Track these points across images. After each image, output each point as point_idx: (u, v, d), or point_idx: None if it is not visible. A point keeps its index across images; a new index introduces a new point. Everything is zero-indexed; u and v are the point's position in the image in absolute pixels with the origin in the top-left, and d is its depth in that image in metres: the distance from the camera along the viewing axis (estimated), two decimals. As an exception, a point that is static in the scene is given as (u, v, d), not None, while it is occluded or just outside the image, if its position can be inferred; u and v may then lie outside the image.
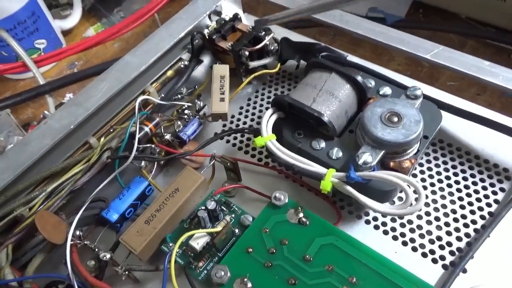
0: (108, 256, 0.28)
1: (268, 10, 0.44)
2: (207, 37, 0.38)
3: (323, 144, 0.29)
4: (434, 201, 0.30)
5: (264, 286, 0.25)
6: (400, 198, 0.31)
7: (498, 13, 0.56)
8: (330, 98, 0.30)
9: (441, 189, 0.31)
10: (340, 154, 0.29)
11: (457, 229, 0.29)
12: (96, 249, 0.28)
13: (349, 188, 0.27)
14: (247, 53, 0.36)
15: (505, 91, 0.30)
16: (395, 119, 0.27)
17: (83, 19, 0.70)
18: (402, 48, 0.33)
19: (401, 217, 0.30)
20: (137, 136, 0.31)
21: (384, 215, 0.30)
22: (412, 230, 0.29)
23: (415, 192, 0.25)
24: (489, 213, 0.29)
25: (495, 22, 0.58)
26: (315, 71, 0.32)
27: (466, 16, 0.61)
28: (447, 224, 0.29)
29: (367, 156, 0.27)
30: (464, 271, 0.27)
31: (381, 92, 0.31)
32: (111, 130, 0.33)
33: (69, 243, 0.27)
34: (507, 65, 0.56)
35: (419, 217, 0.30)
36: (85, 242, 0.28)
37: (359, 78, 0.30)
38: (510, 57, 0.57)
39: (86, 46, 0.56)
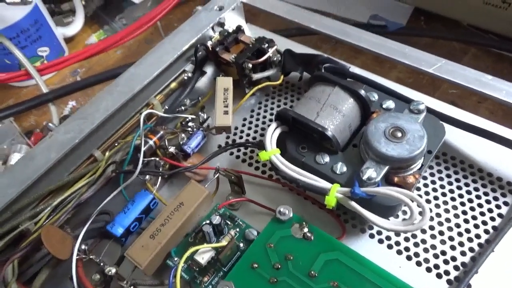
0: (113, 270, 0.28)
1: (269, 20, 0.44)
2: (210, 49, 0.38)
3: (327, 159, 0.29)
4: (438, 215, 0.30)
5: (269, 302, 0.25)
6: (404, 212, 0.31)
7: (500, 20, 0.56)
8: (333, 112, 0.30)
9: (445, 202, 0.31)
10: (344, 168, 0.29)
11: (461, 244, 0.29)
12: (101, 263, 0.28)
13: (353, 203, 0.27)
14: (250, 65, 0.36)
15: (509, 105, 0.30)
16: (399, 134, 0.28)
17: (86, 26, 0.70)
18: (404, 62, 0.33)
19: (404, 232, 0.30)
20: (142, 150, 0.31)
21: (387, 230, 0.30)
22: (416, 244, 0.29)
23: (419, 208, 0.25)
24: (493, 227, 0.29)
25: (496, 30, 0.58)
26: (318, 85, 0.32)
27: (467, 24, 0.61)
28: (451, 238, 0.29)
29: (371, 172, 0.27)
30: (469, 286, 0.27)
31: (384, 106, 0.32)
32: (116, 144, 0.33)
33: (74, 258, 0.27)
34: (508, 73, 0.57)
35: (423, 231, 0.30)
36: (91, 257, 0.28)
37: (362, 92, 0.30)
38: (511, 65, 0.58)
39: (89, 54, 0.56)
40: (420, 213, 0.25)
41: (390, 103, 0.32)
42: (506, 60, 0.58)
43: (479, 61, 0.60)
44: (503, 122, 0.34)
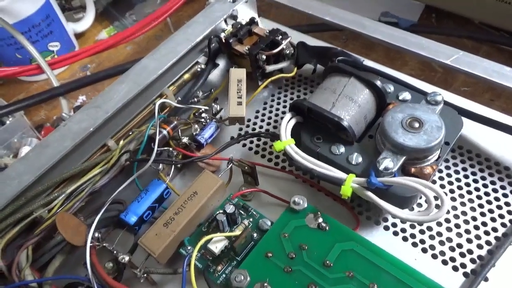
0: (127, 258, 0.27)
1: (280, 13, 0.44)
2: (223, 41, 0.38)
3: (342, 149, 0.29)
4: (454, 208, 0.30)
5: (284, 291, 0.25)
6: (419, 205, 0.31)
7: (512, 18, 0.55)
8: (349, 103, 0.30)
9: (461, 195, 0.31)
10: (360, 159, 0.28)
11: (477, 237, 0.29)
12: (115, 251, 0.28)
13: (369, 193, 0.26)
14: (264, 57, 0.36)
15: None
16: (416, 124, 0.27)
17: (96, 22, 0.70)
18: (421, 53, 0.33)
19: (421, 224, 0.30)
20: (157, 139, 0.31)
21: (403, 221, 0.30)
22: (431, 237, 0.29)
23: (436, 198, 0.25)
24: (510, 220, 0.29)
25: (508, 27, 0.57)
26: (333, 76, 0.32)
27: (479, 21, 0.61)
28: (467, 231, 0.29)
29: (388, 162, 0.26)
30: (486, 279, 0.27)
31: (400, 97, 0.31)
32: (130, 133, 0.33)
33: (88, 245, 0.27)
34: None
35: (439, 223, 0.29)
36: (104, 244, 0.28)
37: (378, 83, 0.30)
38: (524, 63, 0.57)
39: (100, 49, 0.56)
40: (437, 205, 0.25)
41: (406, 95, 0.31)
42: (519, 58, 0.58)
43: (491, 59, 0.59)
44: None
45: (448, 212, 0.30)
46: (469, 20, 0.61)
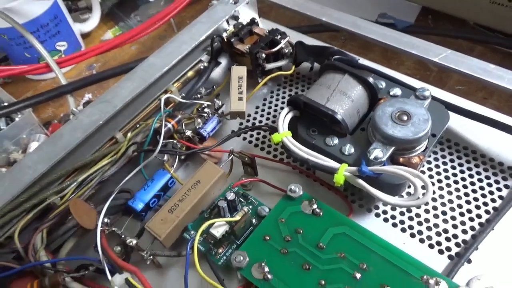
0: (134, 242, 0.29)
1: (280, 15, 0.46)
2: (225, 40, 0.40)
3: (336, 141, 0.31)
4: (441, 196, 0.32)
5: (280, 271, 0.27)
6: (409, 194, 0.32)
7: (506, 19, 0.57)
8: (343, 98, 0.32)
9: (448, 185, 0.32)
10: (352, 150, 0.30)
11: (462, 223, 0.30)
12: (123, 236, 0.30)
13: (360, 181, 0.28)
14: (263, 55, 0.38)
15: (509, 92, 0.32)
16: (405, 117, 0.29)
17: (101, 22, 0.72)
18: (412, 52, 0.35)
19: (409, 210, 0.31)
20: (163, 131, 0.33)
21: (393, 207, 0.32)
22: (420, 223, 0.31)
23: (423, 187, 0.27)
24: (494, 208, 0.31)
25: (503, 28, 0.59)
26: (329, 73, 0.34)
27: (474, 22, 0.62)
28: (453, 218, 0.31)
29: (378, 152, 0.28)
30: (469, 261, 0.28)
31: (391, 93, 0.33)
32: (137, 126, 0.35)
33: (99, 228, 0.29)
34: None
35: (427, 211, 0.31)
36: (113, 229, 0.30)
37: (370, 79, 0.32)
38: (518, 63, 0.59)
39: (106, 49, 0.58)
40: (424, 192, 0.27)
41: (397, 90, 0.33)
42: (512, 58, 0.59)
43: (486, 59, 0.60)
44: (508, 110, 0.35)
45: (435, 200, 0.32)
46: (465, 21, 0.63)
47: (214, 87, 0.41)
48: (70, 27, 0.66)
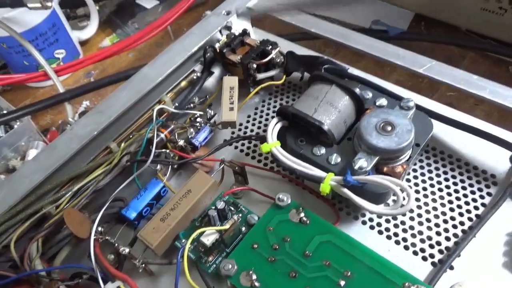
0: (127, 250, 0.30)
1: (275, 24, 0.47)
2: (218, 51, 0.41)
3: (323, 151, 0.32)
4: (426, 204, 0.33)
5: (268, 279, 0.28)
6: (395, 201, 0.33)
7: (497, 26, 0.58)
8: (330, 109, 0.33)
9: (433, 192, 0.33)
10: (339, 159, 0.31)
11: (446, 230, 0.31)
12: (116, 244, 0.31)
13: (346, 190, 0.29)
14: (255, 65, 0.39)
15: (490, 102, 0.33)
16: (389, 128, 0.30)
17: (99, 30, 0.73)
18: (397, 63, 0.36)
19: (394, 218, 0.32)
20: (155, 142, 0.34)
21: (378, 215, 0.33)
22: (404, 230, 0.32)
23: (405, 196, 0.28)
24: (476, 215, 0.32)
25: (494, 35, 0.60)
26: (317, 84, 0.35)
27: (466, 29, 0.63)
28: (437, 225, 0.32)
29: (362, 162, 0.29)
30: (451, 268, 0.29)
31: (377, 103, 0.34)
32: (130, 136, 0.36)
33: (92, 237, 0.30)
34: (505, 77, 0.59)
35: (411, 218, 0.32)
36: (106, 238, 0.31)
37: (357, 90, 0.33)
38: (508, 69, 0.60)
39: (103, 57, 0.59)
40: (406, 201, 0.28)
41: (383, 101, 0.34)
42: (503, 64, 0.60)
43: (477, 65, 0.62)
44: (498, 124, 0.36)
45: (420, 207, 0.33)
46: (457, 27, 0.64)
47: (207, 96, 0.42)
48: (68, 35, 0.67)
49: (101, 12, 0.74)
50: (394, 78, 0.60)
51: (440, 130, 0.35)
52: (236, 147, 0.39)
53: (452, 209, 0.32)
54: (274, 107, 0.42)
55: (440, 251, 0.30)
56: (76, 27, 0.72)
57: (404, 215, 0.32)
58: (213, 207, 0.31)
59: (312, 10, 0.67)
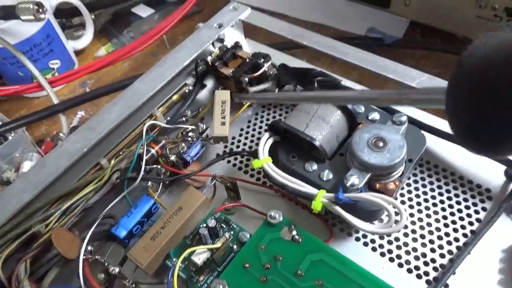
0: (117, 270, 0.30)
1: (268, 35, 0.47)
2: (210, 64, 0.41)
3: (315, 167, 0.32)
4: (420, 219, 0.32)
5: (259, 299, 0.27)
6: (388, 220, 0.33)
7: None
8: (322, 124, 0.32)
9: (427, 207, 0.33)
10: (331, 176, 0.31)
11: (440, 247, 0.31)
12: (106, 263, 0.31)
13: (338, 208, 0.29)
14: (247, 79, 0.39)
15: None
16: (381, 144, 0.30)
17: (95, 39, 0.73)
18: (389, 76, 0.36)
19: (385, 236, 0.32)
20: (144, 158, 0.33)
21: (366, 232, 0.32)
22: (398, 247, 0.31)
23: (397, 213, 0.27)
24: (471, 231, 0.31)
25: (490, 42, 0.60)
26: (309, 98, 0.34)
27: (462, 36, 0.63)
28: (431, 242, 0.31)
29: (354, 179, 0.29)
30: (446, 286, 0.29)
31: (370, 117, 0.34)
32: (121, 153, 0.36)
33: (81, 258, 0.29)
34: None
35: (406, 234, 0.32)
36: (96, 257, 0.31)
37: (349, 105, 0.33)
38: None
39: (98, 67, 0.59)
40: (398, 219, 0.27)
41: (375, 115, 0.34)
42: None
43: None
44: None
45: (414, 223, 0.32)
46: (453, 35, 0.64)
47: (200, 109, 0.41)
48: (63, 45, 0.67)
49: (96, 22, 0.74)
50: (389, 87, 0.60)
51: (433, 143, 0.35)
52: (228, 161, 0.39)
53: (446, 225, 0.32)
54: (267, 120, 0.41)
55: (435, 269, 0.30)
56: (72, 36, 0.72)
57: (399, 232, 0.32)
58: (204, 225, 0.31)
59: (308, 17, 0.67)
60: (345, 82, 0.41)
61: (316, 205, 0.29)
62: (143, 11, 0.78)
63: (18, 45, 0.58)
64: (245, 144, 0.40)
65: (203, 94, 0.43)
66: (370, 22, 0.66)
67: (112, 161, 0.34)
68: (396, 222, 0.27)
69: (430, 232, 0.32)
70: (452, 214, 0.32)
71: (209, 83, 0.43)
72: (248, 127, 0.41)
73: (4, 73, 0.66)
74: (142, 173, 0.32)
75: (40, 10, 0.53)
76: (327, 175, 0.31)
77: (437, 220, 0.32)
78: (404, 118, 0.32)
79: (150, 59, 0.72)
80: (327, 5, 0.69)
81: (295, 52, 0.49)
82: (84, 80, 0.69)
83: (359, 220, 0.28)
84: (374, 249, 0.32)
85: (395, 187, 0.29)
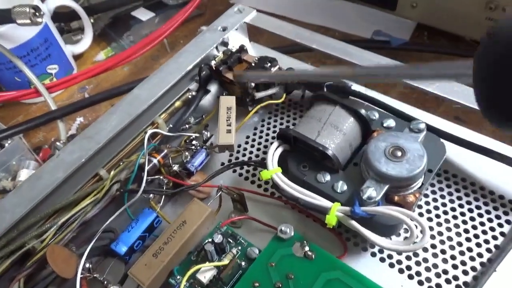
0: (116, 289, 0.28)
1: (270, 38, 0.45)
2: (214, 69, 0.39)
3: (328, 177, 0.30)
4: (440, 233, 0.30)
5: (270, 322, 0.25)
6: (406, 230, 0.31)
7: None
8: (334, 132, 0.30)
9: (447, 221, 0.31)
10: (345, 187, 0.29)
11: (463, 263, 0.29)
12: (105, 282, 0.29)
13: (354, 222, 0.27)
14: (253, 84, 0.37)
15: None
16: (399, 153, 0.28)
17: (94, 43, 0.71)
18: (405, 80, 0.34)
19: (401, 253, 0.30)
20: (146, 169, 0.31)
21: (386, 249, 0.30)
22: (418, 263, 0.29)
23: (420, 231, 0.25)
24: (495, 246, 0.29)
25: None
26: (319, 104, 0.33)
27: (470, 39, 0.61)
28: (453, 257, 0.29)
29: (371, 191, 0.27)
30: (471, 306, 0.27)
31: (385, 125, 0.32)
32: (121, 163, 0.34)
33: (79, 277, 0.27)
34: None
35: (425, 249, 0.30)
36: (94, 275, 0.29)
37: (363, 111, 0.31)
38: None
39: (97, 72, 0.57)
40: (421, 232, 0.25)
41: (390, 122, 0.32)
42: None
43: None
44: (507, 138, 0.34)
45: (433, 237, 0.30)
46: (460, 37, 0.62)
47: (204, 115, 0.39)
48: (62, 49, 0.65)
49: (95, 25, 0.72)
50: (398, 90, 0.58)
51: (451, 151, 0.33)
52: (234, 171, 0.37)
53: (468, 239, 0.30)
54: (274, 127, 0.40)
55: (458, 286, 0.28)
56: (70, 41, 0.70)
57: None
58: (210, 240, 0.29)
59: (313, 20, 0.65)
60: (355, 86, 0.39)
61: (331, 220, 0.27)
62: (143, 14, 0.76)
63: (14, 50, 0.57)
64: (251, 152, 0.38)
65: (206, 100, 0.42)
66: (376, 24, 0.64)
67: (112, 172, 0.32)
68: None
69: (451, 247, 0.30)
70: (474, 227, 0.30)
71: (213, 88, 0.41)
72: (255, 134, 0.39)
73: (1, 78, 0.64)
74: (143, 185, 0.30)
75: (37, 13, 0.51)
76: (341, 186, 0.29)
77: (458, 234, 0.30)
78: (422, 126, 0.30)
79: (151, 64, 0.70)
80: (332, 8, 0.68)
81: (299, 56, 0.47)
82: (83, 85, 0.67)
83: (379, 236, 0.26)
84: (391, 265, 0.30)
85: (415, 199, 0.27)
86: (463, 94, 0.33)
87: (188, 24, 0.73)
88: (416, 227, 0.25)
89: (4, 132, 0.52)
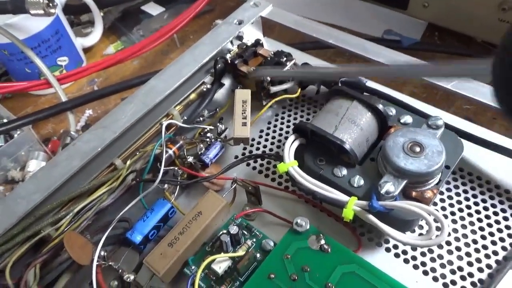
0: (131, 277, 0.28)
1: (284, 33, 0.45)
2: (229, 62, 0.39)
3: (344, 172, 0.30)
4: (455, 231, 0.30)
5: (286, 313, 0.25)
6: (421, 226, 0.31)
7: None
8: (351, 126, 0.30)
9: (462, 218, 0.31)
10: (362, 182, 0.29)
11: (478, 260, 0.29)
12: (120, 270, 0.29)
13: (371, 217, 0.27)
14: (268, 78, 0.37)
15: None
16: (418, 149, 0.28)
17: (103, 36, 0.71)
18: (424, 78, 0.34)
19: (420, 248, 0.30)
20: (163, 159, 0.31)
21: (405, 244, 0.30)
22: (432, 259, 0.29)
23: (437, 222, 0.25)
24: (511, 244, 0.29)
25: None
26: (336, 99, 0.33)
27: (482, 40, 0.61)
28: (468, 254, 0.29)
29: (389, 186, 0.27)
30: (486, 303, 0.27)
31: (402, 121, 0.32)
32: (137, 153, 0.34)
33: (95, 264, 0.27)
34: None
35: (440, 246, 0.30)
36: (110, 263, 0.29)
37: (380, 106, 0.31)
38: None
39: (107, 65, 0.57)
40: (438, 228, 0.25)
41: (407, 118, 0.32)
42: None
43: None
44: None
45: (448, 234, 0.30)
46: (472, 38, 0.62)
47: (217, 109, 0.39)
48: (72, 42, 0.65)
49: (105, 19, 0.72)
50: (409, 89, 0.58)
51: (466, 149, 0.33)
52: (248, 164, 0.37)
53: (483, 237, 0.30)
54: (288, 121, 0.40)
55: (473, 284, 0.28)
56: (80, 33, 0.71)
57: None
58: (225, 231, 0.29)
59: (324, 18, 0.65)
60: (369, 83, 0.39)
61: (348, 213, 0.27)
62: (153, 9, 0.77)
63: (26, 41, 0.56)
64: (265, 146, 0.38)
65: (220, 94, 0.42)
66: (387, 24, 0.64)
67: (128, 162, 0.32)
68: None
69: (466, 244, 0.30)
70: (489, 225, 0.30)
71: (227, 82, 0.41)
72: (268, 128, 0.39)
73: (11, 69, 0.64)
74: (160, 175, 0.30)
75: (51, 4, 0.51)
76: (358, 181, 0.29)
77: (473, 232, 0.30)
78: (440, 122, 0.30)
79: (160, 58, 0.70)
80: (343, 7, 0.68)
81: (309, 53, 0.47)
82: (92, 78, 0.67)
83: (396, 231, 0.26)
84: (406, 261, 0.30)
85: (433, 195, 0.27)
86: (477, 91, 0.33)
87: (198, 20, 0.73)
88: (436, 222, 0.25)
89: (14, 122, 0.52)
